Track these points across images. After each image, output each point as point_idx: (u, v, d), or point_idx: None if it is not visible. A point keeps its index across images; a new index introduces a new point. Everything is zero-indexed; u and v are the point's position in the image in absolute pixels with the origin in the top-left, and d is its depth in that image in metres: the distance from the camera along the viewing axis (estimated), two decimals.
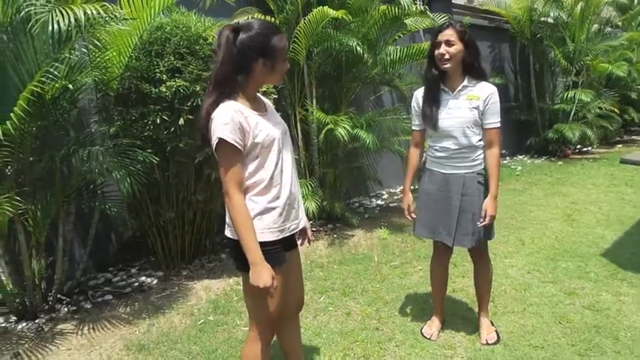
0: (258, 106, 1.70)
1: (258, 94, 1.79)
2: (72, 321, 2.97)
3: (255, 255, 1.58)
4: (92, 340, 2.77)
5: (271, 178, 1.65)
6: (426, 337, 2.64)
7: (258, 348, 1.79)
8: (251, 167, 1.63)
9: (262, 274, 1.58)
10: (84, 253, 3.38)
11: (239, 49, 1.59)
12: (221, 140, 1.55)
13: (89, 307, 3.18)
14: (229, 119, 1.55)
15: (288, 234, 1.73)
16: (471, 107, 2.31)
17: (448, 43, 2.25)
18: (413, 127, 2.56)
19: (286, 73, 1.75)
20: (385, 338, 2.66)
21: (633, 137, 10.45)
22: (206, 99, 1.62)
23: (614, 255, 3.73)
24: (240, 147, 1.58)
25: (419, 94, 2.46)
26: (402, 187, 6.38)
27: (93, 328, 2.88)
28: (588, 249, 3.91)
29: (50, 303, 3.10)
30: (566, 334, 2.64)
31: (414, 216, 2.54)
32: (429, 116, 2.36)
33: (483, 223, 2.33)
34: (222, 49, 1.58)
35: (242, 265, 1.65)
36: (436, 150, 2.42)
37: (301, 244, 1.96)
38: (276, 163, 1.67)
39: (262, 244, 1.61)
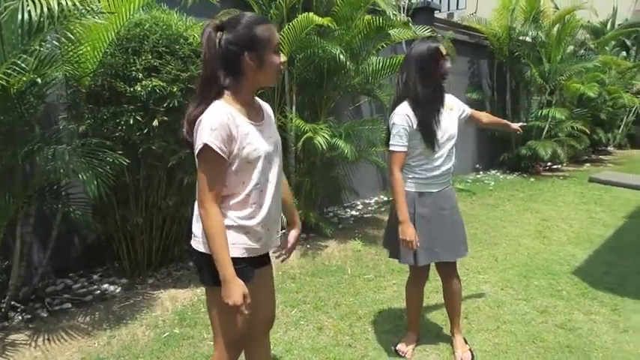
0: (253, 114, 1.59)
1: (258, 100, 1.66)
2: (26, 331, 2.78)
3: (227, 271, 1.48)
4: (47, 352, 2.59)
5: (247, 195, 1.55)
6: (400, 355, 2.58)
7: None
8: (229, 179, 1.53)
9: (233, 291, 1.48)
10: (43, 258, 3.19)
11: (224, 48, 1.49)
12: (206, 146, 1.44)
13: (45, 315, 2.99)
14: (217, 124, 1.44)
15: (254, 255, 1.62)
16: (453, 118, 2.36)
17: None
18: (399, 149, 2.27)
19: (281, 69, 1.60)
20: (358, 355, 2.59)
21: (600, 157, 10.79)
22: (190, 105, 1.52)
23: (584, 273, 3.77)
24: (225, 156, 1.47)
25: (408, 111, 2.25)
26: (376, 199, 6.44)
27: (48, 339, 2.70)
28: (560, 267, 3.94)
29: (2, 311, 2.90)
30: (540, 353, 2.62)
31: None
32: (432, 136, 2.25)
33: None
34: (204, 48, 1.48)
35: (209, 279, 1.56)
36: (426, 170, 2.32)
37: (282, 260, 1.87)
38: (257, 183, 1.56)
39: None
